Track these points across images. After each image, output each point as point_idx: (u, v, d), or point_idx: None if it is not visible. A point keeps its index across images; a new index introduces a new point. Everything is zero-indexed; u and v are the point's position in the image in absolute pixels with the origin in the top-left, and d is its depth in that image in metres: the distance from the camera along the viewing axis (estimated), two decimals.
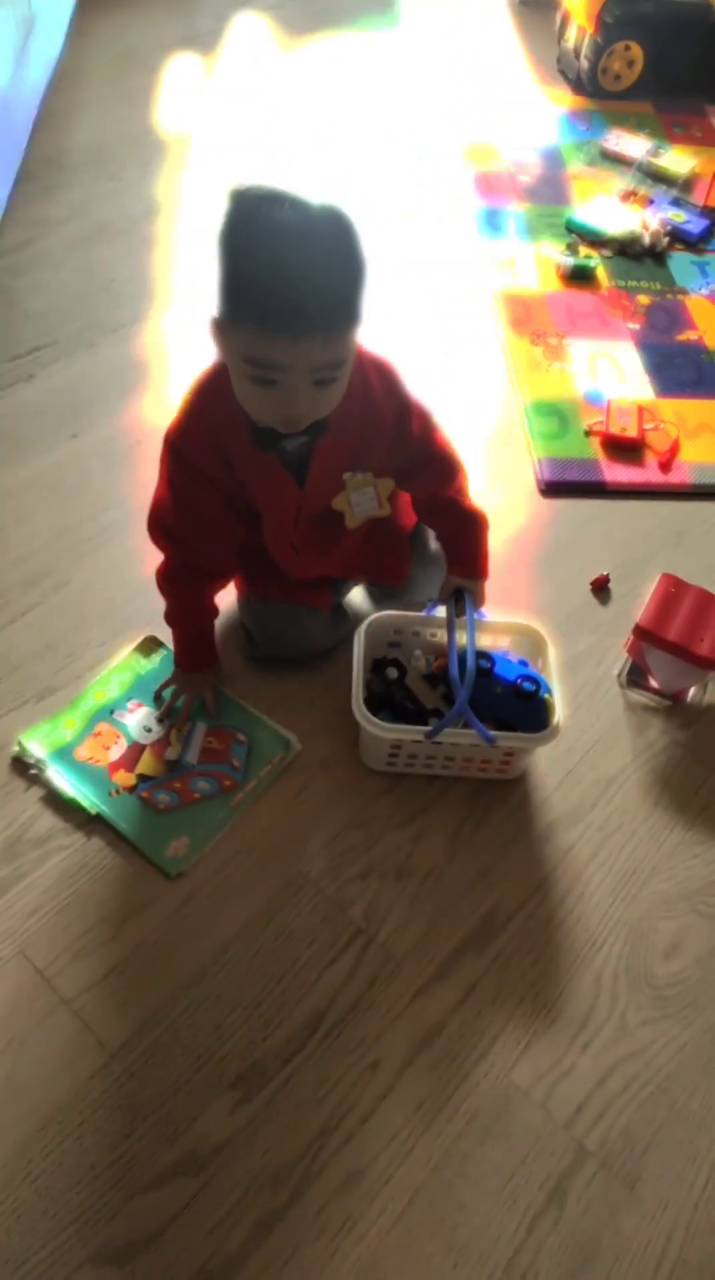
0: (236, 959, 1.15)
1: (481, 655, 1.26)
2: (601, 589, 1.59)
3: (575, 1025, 1.14)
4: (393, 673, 1.32)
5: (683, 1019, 1.16)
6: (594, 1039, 1.13)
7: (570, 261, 2.12)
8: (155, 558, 1.27)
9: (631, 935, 1.22)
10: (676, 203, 2.36)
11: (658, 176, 2.43)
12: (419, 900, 1.22)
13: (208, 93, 2.60)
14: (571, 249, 2.18)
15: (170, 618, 1.33)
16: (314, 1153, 1.03)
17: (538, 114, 2.64)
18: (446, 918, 1.21)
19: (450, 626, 1.29)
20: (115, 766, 1.29)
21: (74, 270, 2.03)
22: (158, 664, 1.40)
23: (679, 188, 2.40)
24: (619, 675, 1.47)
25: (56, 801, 1.25)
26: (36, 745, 1.29)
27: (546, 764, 1.36)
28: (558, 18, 2.79)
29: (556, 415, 1.84)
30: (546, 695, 1.27)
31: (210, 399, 1.13)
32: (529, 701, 1.25)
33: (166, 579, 1.29)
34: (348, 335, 1.01)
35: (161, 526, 1.24)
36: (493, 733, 1.19)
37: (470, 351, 1.97)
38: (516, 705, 1.25)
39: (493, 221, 2.25)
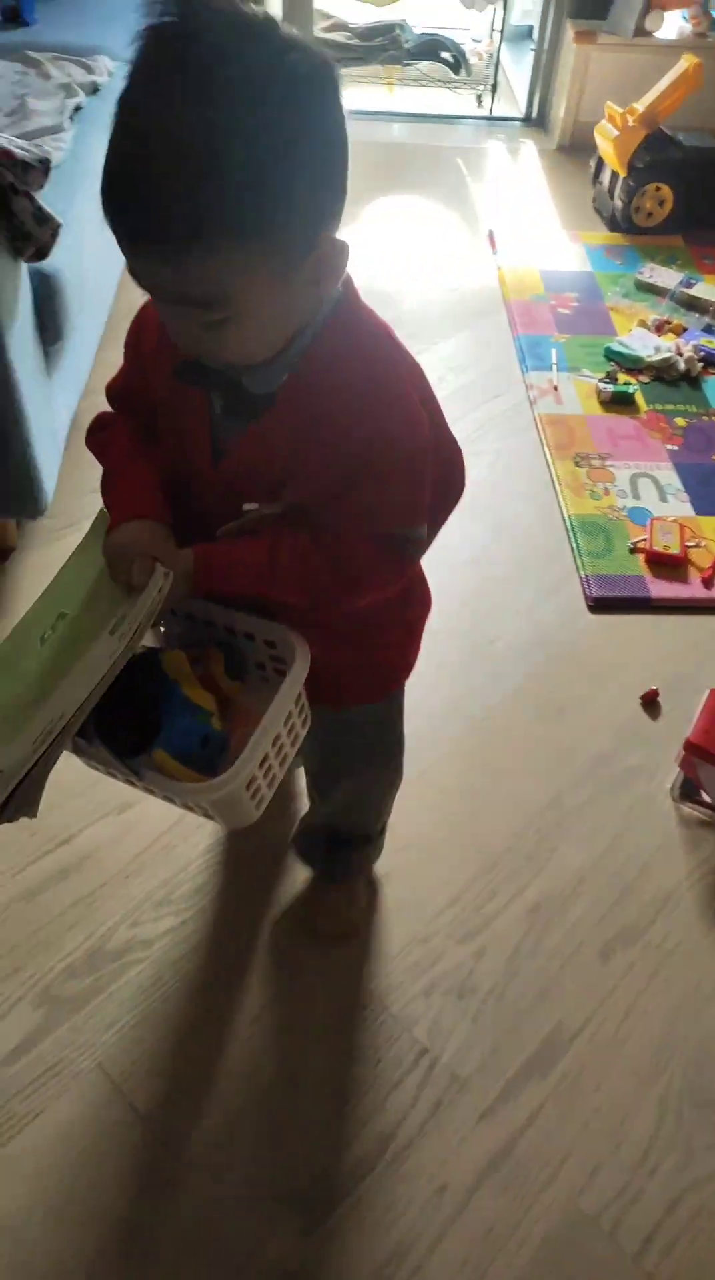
0: (305, 1077, 1.17)
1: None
2: (651, 703, 1.63)
3: (641, 1149, 1.14)
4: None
5: None
6: (661, 1164, 1.13)
7: (610, 388, 2.22)
8: None
9: (696, 1055, 1.22)
10: (709, 329, 2.47)
11: (690, 305, 2.56)
12: (482, 1019, 1.23)
13: None
14: (611, 376, 2.29)
15: (103, 476, 0.91)
16: None
17: (575, 250, 2.80)
18: (509, 1038, 1.22)
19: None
20: None
21: None
22: None
23: (711, 315, 2.52)
24: (671, 790, 1.50)
25: (132, 911, 1.30)
26: None
27: (603, 879, 1.38)
28: (592, 163, 2.98)
29: (601, 533, 1.92)
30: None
31: None
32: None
33: (93, 425, 0.94)
34: (228, 262, 0.66)
35: (108, 388, 0.95)
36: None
37: (516, 472, 2.06)
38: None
39: (535, 351, 2.38)
